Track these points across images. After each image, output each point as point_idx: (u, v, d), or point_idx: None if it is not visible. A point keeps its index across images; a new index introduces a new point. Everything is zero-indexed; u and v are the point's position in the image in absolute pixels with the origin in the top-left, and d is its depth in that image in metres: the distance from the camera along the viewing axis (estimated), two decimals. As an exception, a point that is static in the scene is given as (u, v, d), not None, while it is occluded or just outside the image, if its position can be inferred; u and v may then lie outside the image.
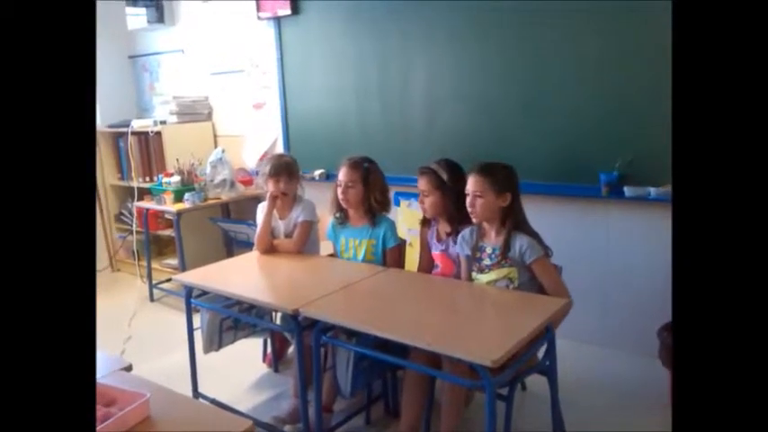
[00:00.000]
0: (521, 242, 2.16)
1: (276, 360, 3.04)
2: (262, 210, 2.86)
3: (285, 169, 2.79)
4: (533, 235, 2.20)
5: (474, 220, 2.27)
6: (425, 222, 2.57)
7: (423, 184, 2.46)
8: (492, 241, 2.25)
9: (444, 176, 2.40)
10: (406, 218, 3.44)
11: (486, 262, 2.24)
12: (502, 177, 2.21)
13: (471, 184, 2.22)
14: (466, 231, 2.33)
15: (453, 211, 2.41)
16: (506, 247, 2.18)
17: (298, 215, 2.81)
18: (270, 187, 2.80)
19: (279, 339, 3.00)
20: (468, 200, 2.23)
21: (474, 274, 2.29)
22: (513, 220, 2.20)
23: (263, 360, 3.10)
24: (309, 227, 2.80)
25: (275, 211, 2.85)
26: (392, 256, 2.58)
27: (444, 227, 2.49)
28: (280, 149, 4.10)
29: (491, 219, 2.24)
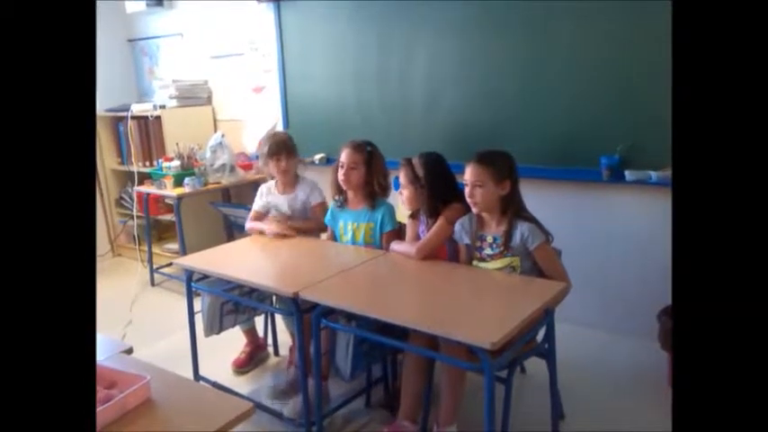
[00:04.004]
0: (522, 229, 2.14)
1: (276, 346, 3.05)
2: (261, 191, 2.91)
3: (284, 147, 2.83)
4: (532, 220, 2.18)
5: (474, 210, 2.23)
6: (413, 215, 2.50)
7: (401, 175, 2.43)
8: (492, 230, 2.22)
9: (420, 172, 2.35)
10: (407, 202, 3.43)
11: (488, 251, 2.22)
12: (501, 165, 2.17)
13: (470, 174, 2.18)
14: (464, 219, 2.29)
15: (427, 208, 2.37)
16: (508, 236, 2.16)
17: (307, 195, 2.84)
18: (272, 167, 2.82)
19: (251, 342, 2.94)
20: (467, 190, 2.19)
21: (475, 263, 2.27)
22: (513, 209, 2.18)
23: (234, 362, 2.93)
24: (326, 206, 2.83)
25: (276, 186, 2.89)
26: (389, 239, 2.57)
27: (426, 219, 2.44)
28: (280, 134, 4.09)
29: (491, 208, 2.21)
